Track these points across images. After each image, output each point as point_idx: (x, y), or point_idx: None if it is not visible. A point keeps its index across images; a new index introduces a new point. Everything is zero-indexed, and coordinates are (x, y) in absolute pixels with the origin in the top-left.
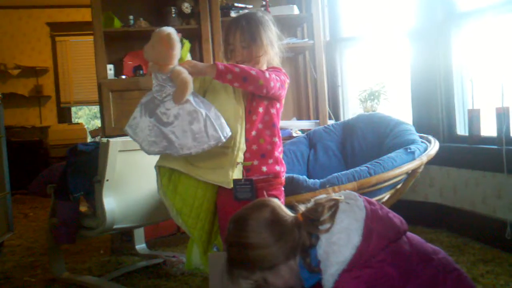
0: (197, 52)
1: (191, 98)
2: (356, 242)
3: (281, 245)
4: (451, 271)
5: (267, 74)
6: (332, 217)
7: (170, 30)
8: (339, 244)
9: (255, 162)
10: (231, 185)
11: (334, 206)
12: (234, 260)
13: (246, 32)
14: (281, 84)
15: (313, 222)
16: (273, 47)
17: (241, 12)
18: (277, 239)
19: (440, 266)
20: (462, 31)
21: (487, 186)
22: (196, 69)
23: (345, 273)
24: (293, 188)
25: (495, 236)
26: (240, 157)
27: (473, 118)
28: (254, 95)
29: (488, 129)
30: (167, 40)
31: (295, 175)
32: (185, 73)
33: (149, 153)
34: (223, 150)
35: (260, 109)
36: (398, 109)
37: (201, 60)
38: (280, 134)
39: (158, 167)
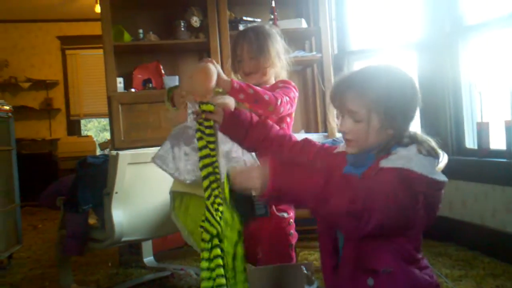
0: None
1: None
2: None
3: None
4: None
5: (279, 101)
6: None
7: (209, 63)
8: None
9: None
10: None
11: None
12: None
13: (254, 44)
14: (290, 104)
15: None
16: (280, 60)
17: (249, 25)
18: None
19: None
20: (470, 44)
21: (497, 200)
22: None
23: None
24: None
25: (505, 250)
26: None
27: (482, 131)
28: None
29: (498, 142)
30: (206, 72)
31: None
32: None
33: (185, 181)
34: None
35: None
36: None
37: None
38: None
39: (172, 193)
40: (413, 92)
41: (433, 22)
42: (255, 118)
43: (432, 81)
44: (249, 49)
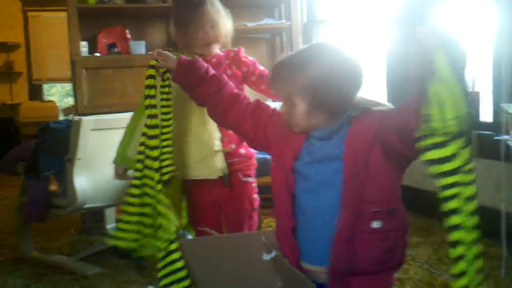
0: None
1: None
2: None
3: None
4: None
5: None
6: None
7: None
8: None
9: (233, 146)
10: (217, 175)
11: None
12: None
13: (215, 12)
14: None
15: None
16: (229, 27)
17: None
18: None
19: None
20: (436, 16)
21: None
22: None
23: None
24: (266, 169)
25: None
26: (217, 145)
27: None
28: None
29: None
30: None
31: (268, 157)
32: None
33: None
34: (199, 143)
35: None
36: (374, 92)
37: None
38: None
39: None
40: (350, 73)
41: None
42: (212, 71)
43: (399, 54)
44: (211, 18)
